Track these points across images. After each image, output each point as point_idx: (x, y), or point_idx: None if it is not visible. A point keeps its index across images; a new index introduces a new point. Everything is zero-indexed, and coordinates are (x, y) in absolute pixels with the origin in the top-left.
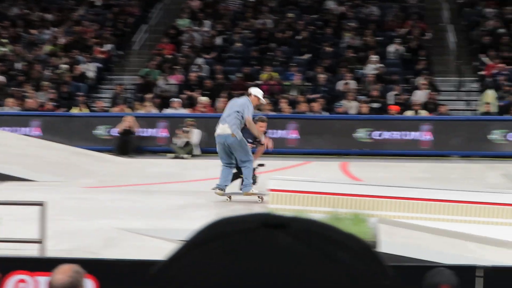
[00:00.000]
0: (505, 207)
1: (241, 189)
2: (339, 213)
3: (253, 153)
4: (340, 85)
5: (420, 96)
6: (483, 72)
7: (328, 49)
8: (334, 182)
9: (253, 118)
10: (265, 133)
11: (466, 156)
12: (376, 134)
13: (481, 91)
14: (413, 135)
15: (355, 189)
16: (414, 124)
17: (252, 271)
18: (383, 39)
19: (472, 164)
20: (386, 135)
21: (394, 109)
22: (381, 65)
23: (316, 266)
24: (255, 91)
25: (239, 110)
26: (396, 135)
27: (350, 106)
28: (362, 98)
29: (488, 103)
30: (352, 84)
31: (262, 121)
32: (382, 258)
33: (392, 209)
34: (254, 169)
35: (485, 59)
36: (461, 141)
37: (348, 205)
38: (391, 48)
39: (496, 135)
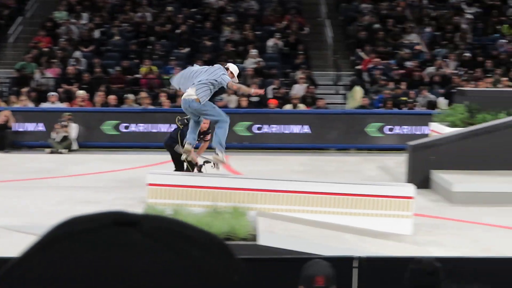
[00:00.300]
0: (381, 198)
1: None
2: (219, 207)
3: (196, 148)
4: None
5: (298, 90)
6: (359, 67)
7: (208, 43)
8: (214, 175)
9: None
10: (208, 130)
11: (343, 149)
12: (255, 128)
13: (350, 86)
14: (291, 128)
15: (234, 182)
16: (292, 118)
17: (102, 269)
18: (262, 34)
19: (349, 157)
20: (265, 128)
21: (273, 103)
22: (260, 59)
23: (167, 262)
24: (233, 68)
25: (215, 78)
26: (275, 128)
27: (230, 100)
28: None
29: (365, 97)
30: None
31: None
32: (234, 253)
33: (271, 202)
34: (201, 166)
35: (362, 54)
36: (339, 134)
37: (228, 198)
38: (270, 42)
39: (372, 128)
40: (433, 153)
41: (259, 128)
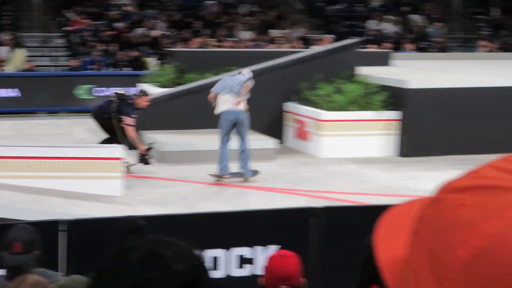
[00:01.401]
0: (90, 160)
1: (242, 173)
2: None
3: None
4: None
5: (5, 52)
6: (68, 28)
7: None
8: None
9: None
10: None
11: (53, 112)
12: None
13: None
14: None
15: None
16: (0, 81)
17: None
18: None
19: (59, 120)
20: None
21: None
22: None
23: None
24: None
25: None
26: None
27: None
28: None
29: (74, 59)
30: None
31: (145, 95)
32: None
33: None
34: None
35: (71, 15)
36: (48, 97)
37: None
38: None
39: (81, 91)
40: (144, 114)
41: None
